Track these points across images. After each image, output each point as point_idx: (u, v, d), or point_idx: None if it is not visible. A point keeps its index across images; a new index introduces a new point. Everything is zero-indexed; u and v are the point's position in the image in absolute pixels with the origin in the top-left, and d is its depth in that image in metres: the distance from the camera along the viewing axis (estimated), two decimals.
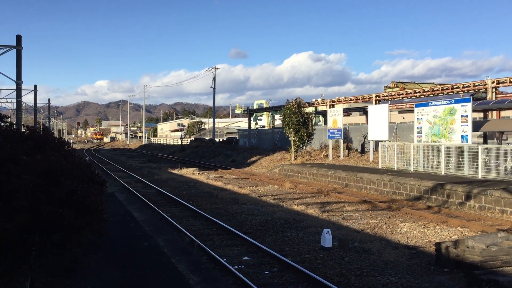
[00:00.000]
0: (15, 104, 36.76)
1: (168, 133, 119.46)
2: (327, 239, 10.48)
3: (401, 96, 37.03)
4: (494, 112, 29.40)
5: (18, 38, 27.86)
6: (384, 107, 25.71)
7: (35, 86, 51.96)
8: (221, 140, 65.82)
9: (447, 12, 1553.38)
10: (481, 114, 28.52)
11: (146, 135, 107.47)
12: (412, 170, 21.28)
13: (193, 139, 73.32)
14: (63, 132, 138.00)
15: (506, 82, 27.92)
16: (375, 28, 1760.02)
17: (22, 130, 9.27)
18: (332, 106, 41.89)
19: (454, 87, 31.94)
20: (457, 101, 20.31)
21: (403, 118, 47.10)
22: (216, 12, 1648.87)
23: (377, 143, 25.83)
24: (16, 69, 27.94)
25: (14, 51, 27.94)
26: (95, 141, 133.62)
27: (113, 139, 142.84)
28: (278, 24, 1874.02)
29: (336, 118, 30.27)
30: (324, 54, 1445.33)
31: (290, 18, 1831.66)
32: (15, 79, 28.43)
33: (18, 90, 29.30)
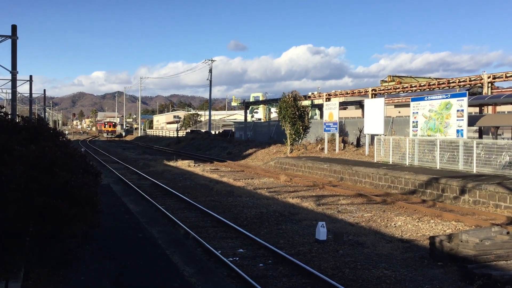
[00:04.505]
0: (10, 95, 36.59)
1: (164, 125, 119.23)
2: (321, 232, 10.51)
3: (397, 90, 37.05)
4: (490, 107, 29.45)
5: (14, 28, 27.66)
6: (380, 101, 25.73)
7: (31, 76, 51.76)
8: (217, 132, 65.75)
9: (448, 6, 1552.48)
10: (477, 109, 28.56)
11: (142, 127, 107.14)
12: (407, 164, 21.33)
13: (189, 131, 73.23)
14: (58, 123, 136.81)
15: (502, 77, 27.98)
16: (376, 22, 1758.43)
17: (17, 120, 9.22)
18: (328, 99, 41.88)
19: (450, 81, 31.99)
20: (453, 96, 20.33)
21: (399, 112, 47.17)
22: (215, 4, 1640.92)
23: (372, 137, 25.87)
24: (12, 59, 27.79)
25: (9, 41, 27.76)
26: (105, 134, 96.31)
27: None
28: (279, 16, 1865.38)
29: (332, 111, 30.26)
30: (323, 47, 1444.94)
31: (291, 11, 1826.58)
32: (10, 69, 28.29)
33: (13, 81, 29.15)
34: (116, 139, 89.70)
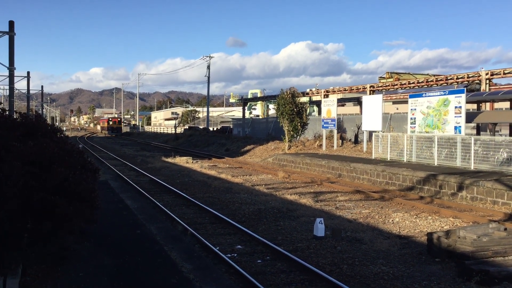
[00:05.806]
0: (7, 91, 36.46)
1: (162, 121, 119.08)
2: (319, 228, 10.52)
3: (396, 86, 37.01)
4: (488, 104, 29.48)
5: (11, 24, 27.54)
6: (378, 97, 25.74)
7: (28, 72, 51.46)
8: (215, 129, 65.73)
9: (447, 2, 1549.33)
10: (475, 106, 28.57)
11: (140, 124, 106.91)
12: (405, 161, 21.35)
13: (187, 127, 73.17)
14: (56, 120, 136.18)
15: (500, 74, 27.95)
16: (375, 19, 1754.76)
17: (15, 116, 9.19)
18: (326, 96, 41.82)
19: (448, 78, 31.95)
20: (451, 92, 20.33)
21: (397, 108, 47.24)
22: (214, 0, 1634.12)
23: (370, 133, 25.88)
24: (9, 55, 27.66)
25: (6, 37, 27.64)
26: (109, 132, 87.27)
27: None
28: (278, 13, 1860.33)
29: (330, 108, 30.28)
30: (322, 44, 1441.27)
31: (290, 7, 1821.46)
32: (7, 65, 28.19)
33: (11, 77, 29.03)
34: (114, 136, 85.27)
